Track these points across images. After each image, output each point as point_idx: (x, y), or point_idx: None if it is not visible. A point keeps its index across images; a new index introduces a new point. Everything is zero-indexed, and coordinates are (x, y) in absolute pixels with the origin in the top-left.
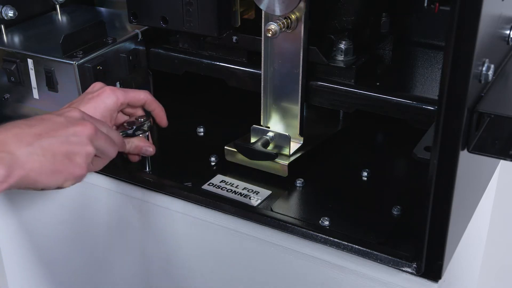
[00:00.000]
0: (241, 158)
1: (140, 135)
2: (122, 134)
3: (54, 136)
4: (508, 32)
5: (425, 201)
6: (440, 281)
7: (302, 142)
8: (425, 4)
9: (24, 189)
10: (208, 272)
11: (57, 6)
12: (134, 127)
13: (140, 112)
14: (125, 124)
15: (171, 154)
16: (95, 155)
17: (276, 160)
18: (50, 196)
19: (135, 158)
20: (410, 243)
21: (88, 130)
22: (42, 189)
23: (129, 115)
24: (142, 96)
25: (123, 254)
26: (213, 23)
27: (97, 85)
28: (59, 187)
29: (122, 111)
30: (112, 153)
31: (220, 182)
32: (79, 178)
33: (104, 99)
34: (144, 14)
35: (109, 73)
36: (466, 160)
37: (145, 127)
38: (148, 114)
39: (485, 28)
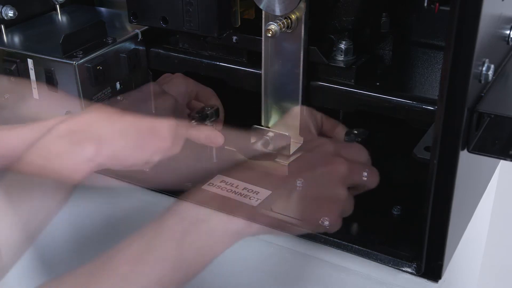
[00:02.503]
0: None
1: (209, 125)
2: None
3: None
4: (508, 32)
5: (425, 201)
6: (440, 281)
7: (302, 142)
8: (425, 4)
9: (113, 167)
10: (207, 271)
11: (57, 6)
12: (205, 113)
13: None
14: (194, 112)
15: None
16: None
17: (276, 160)
18: (50, 196)
19: None
20: (410, 243)
21: (168, 102)
22: (131, 167)
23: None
24: (209, 89)
25: None
26: (213, 23)
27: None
28: (147, 162)
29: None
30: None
31: (220, 182)
32: (166, 151)
33: (177, 84)
34: (144, 14)
35: (109, 73)
36: (466, 160)
37: (213, 116)
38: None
39: (485, 28)
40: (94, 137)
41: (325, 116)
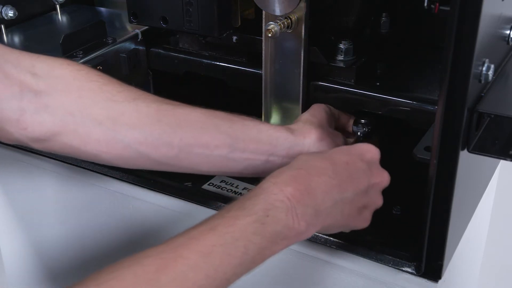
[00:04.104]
0: None
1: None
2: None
3: (356, 189)
4: (508, 32)
5: (425, 201)
6: (440, 281)
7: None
8: (425, 4)
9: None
10: None
11: (57, 6)
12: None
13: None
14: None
15: None
16: None
17: None
18: (51, 196)
19: None
20: (410, 243)
21: (385, 182)
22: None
23: None
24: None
25: (123, 254)
26: (213, 23)
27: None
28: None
29: None
30: None
31: (220, 182)
32: (359, 229)
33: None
34: (144, 14)
35: (109, 73)
36: (466, 160)
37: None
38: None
39: (485, 28)
40: (311, 214)
41: (340, 111)
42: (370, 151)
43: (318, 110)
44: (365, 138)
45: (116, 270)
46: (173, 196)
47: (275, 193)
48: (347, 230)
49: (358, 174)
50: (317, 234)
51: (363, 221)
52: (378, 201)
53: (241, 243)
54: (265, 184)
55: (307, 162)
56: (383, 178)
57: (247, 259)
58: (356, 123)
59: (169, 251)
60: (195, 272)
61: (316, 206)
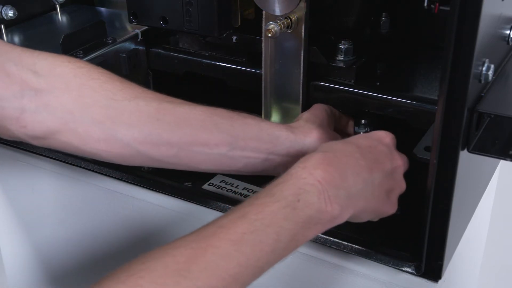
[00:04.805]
0: None
1: None
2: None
3: (382, 170)
4: (508, 32)
5: (425, 201)
6: (440, 281)
7: None
8: (425, 4)
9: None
10: None
11: (57, 6)
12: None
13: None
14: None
15: None
16: None
17: None
18: (50, 196)
19: None
20: (410, 243)
21: (406, 165)
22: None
23: None
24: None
25: (122, 254)
26: (213, 23)
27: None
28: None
29: None
30: None
31: (220, 182)
32: (388, 215)
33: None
34: (144, 14)
35: None
36: (466, 160)
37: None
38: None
39: (485, 28)
40: (344, 196)
41: (341, 113)
42: (388, 136)
43: (319, 110)
44: None
45: (147, 261)
46: (173, 196)
47: (304, 177)
48: (376, 217)
49: (382, 156)
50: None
51: (391, 206)
52: (402, 184)
53: (272, 230)
54: (293, 170)
55: (332, 146)
56: (404, 160)
57: (280, 246)
58: (357, 123)
59: (199, 240)
60: (226, 260)
61: (347, 188)
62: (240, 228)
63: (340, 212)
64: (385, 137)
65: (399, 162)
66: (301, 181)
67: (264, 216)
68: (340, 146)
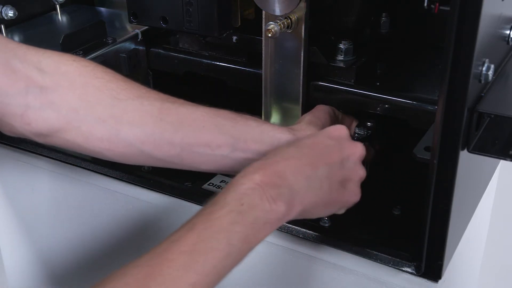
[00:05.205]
0: None
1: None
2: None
3: (329, 164)
4: (508, 32)
5: (425, 201)
6: (440, 281)
7: None
8: (425, 4)
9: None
10: None
11: (57, 6)
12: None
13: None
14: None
15: None
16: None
17: None
18: (50, 196)
19: None
20: (410, 243)
21: (359, 152)
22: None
23: None
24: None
25: (122, 254)
26: (213, 23)
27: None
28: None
29: None
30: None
31: (220, 182)
32: (352, 204)
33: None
34: (144, 14)
35: None
36: (466, 160)
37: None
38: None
39: (485, 28)
40: (288, 194)
41: (343, 114)
42: (337, 129)
43: (321, 112)
44: (365, 140)
45: (109, 283)
46: (173, 196)
47: (244, 183)
48: (339, 209)
49: (327, 150)
50: (317, 233)
51: (351, 195)
52: (359, 172)
53: (222, 235)
54: (234, 179)
55: (274, 151)
56: (356, 149)
57: (233, 250)
58: (359, 125)
59: (154, 257)
60: (182, 271)
61: (289, 186)
62: (190, 239)
63: (286, 209)
64: (333, 131)
65: (350, 151)
66: (242, 187)
67: (212, 224)
68: (282, 150)
